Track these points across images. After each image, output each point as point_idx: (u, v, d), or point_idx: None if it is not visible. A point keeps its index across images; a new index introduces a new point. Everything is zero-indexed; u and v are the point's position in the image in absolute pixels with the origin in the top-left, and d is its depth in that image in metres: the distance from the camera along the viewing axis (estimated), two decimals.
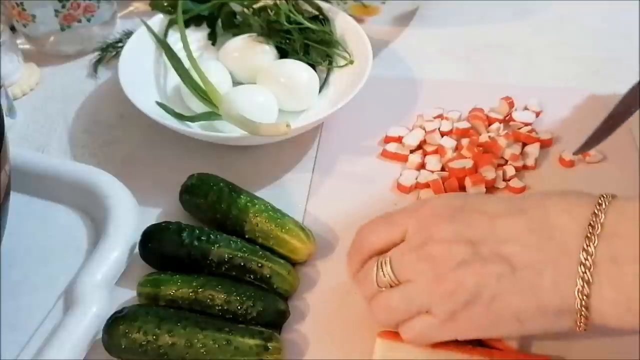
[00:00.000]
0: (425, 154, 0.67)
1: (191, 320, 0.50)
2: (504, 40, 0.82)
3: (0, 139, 0.48)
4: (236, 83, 0.71)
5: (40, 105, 0.75)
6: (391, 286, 0.47)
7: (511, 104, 0.70)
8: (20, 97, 0.76)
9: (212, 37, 0.77)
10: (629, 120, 0.69)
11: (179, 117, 0.66)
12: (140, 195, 0.61)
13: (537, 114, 0.70)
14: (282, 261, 0.55)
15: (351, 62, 0.71)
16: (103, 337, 0.50)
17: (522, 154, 0.66)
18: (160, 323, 0.50)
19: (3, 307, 0.55)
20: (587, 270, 0.41)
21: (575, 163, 0.65)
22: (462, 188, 0.63)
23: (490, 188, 0.63)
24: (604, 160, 0.66)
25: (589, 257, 0.41)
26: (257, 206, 0.58)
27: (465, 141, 0.66)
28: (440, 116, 0.70)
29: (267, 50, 0.72)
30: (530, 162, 0.65)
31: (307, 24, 0.71)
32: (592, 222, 0.41)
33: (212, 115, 0.66)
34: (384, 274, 0.47)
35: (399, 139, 0.68)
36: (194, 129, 0.67)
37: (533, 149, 0.66)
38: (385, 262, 0.47)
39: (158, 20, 0.75)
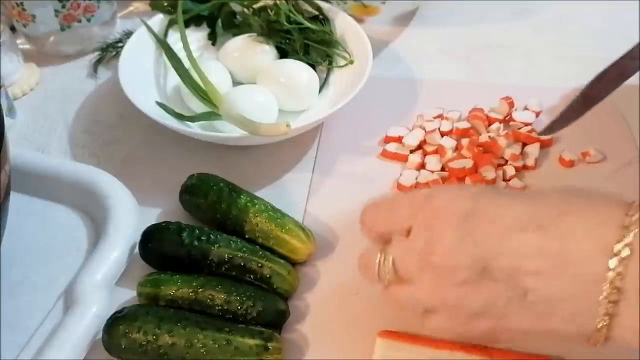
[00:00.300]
0: (425, 154, 0.67)
1: (191, 320, 0.50)
2: (504, 40, 0.82)
3: (0, 139, 0.48)
4: (236, 83, 0.71)
5: (40, 105, 0.75)
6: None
7: (511, 104, 0.70)
8: (20, 97, 0.76)
9: (212, 37, 0.77)
10: (629, 119, 0.69)
11: (179, 117, 0.66)
12: (140, 195, 0.61)
13: (537, 114, 0.70)
14: (282, 261, 0.55)
15: (351, 62, 0.71)
16: (103, 337, 0.50)
17: (522, 154, 0.66)
18: (160, 323, 0.50)
19: (3, 307, 0.55)
20: (610, 303, 0.37)
21: (575, 163, 0.65)
22: None
23: None
24: (604, 160, 0.66)
25: (613, 291, 0.37)
26: (257, 206, 0.58)
27: (465, 141, 0.66)
28: (440, 116, 0.70)
29: (267, 50, 0.72)
30: (530, 162, 0.65)
31: (307, 24, 0.71)
32: (616, 251, 0.37)
33: (212, 115, 0.66)
34: (385, 270, 0.45)
35: (399, 139, 0.68)
36: (194, 129, 0.67)
37: (533, 149, 0.66)
38: (387, 257, 0.45)
39: (158, 20, 0.75)
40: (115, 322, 0.50)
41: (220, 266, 0.54)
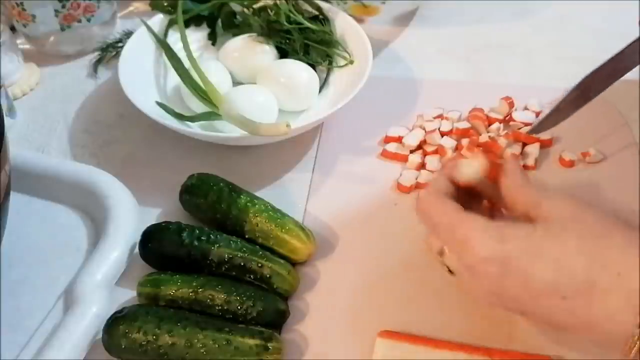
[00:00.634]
0: (425, 154, 0.67)
1: (191, 320, 0.50)
2: (504, 40, 0.82)
3: (0, 139, 0.48)
4: (236, 83, 0.71)
5: (40, 105, 0.75)
6: None
7: (511, 104, 0.70)
8: (20, 97, 0.76)
9: (212, 37, 0.77)
10: (628, 119, 0.69)
11: (179, 117, 0.66)
12: (140, 195, 0.61)
13: (537, 114, 0.70)
14: (282, 261, 0.55)
15: (351, 62, 0.71)
16: (103, 337, 0.50)
17: (522, 154, 0.66)
18: (160, 323, 0.50)
19: (3, 307, 0.55)
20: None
21: (575, 163, 0.65)
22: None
23: None
24: (604, 160, 0.66)
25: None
26: (257, 206, 0.58)
27: (465, 141, 0.66)
28: (440, 116, 0.70)
29: (267, 50, 0.72)
30: (530, 162, 0.65)
31: (307, 24, 0.71)
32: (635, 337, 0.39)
33: (212, 115, 0.66)
34: (449, 262, 0.48)
35: (399, 139, 0.68)
36: (194, 129, 0.67)
37: (533, 149, 0.66)
38: (443, 251, 0.48)
39: (158, 20, 0.75)
40: (115, 322, 0.50)
41: (220, 266, 0.54)
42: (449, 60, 0.79)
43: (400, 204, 0.63)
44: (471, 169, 0.49)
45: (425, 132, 0.68)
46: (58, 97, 0.76)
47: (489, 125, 0.69)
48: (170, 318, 0.50)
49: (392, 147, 0.67)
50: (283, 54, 0.73)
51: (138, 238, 0.57)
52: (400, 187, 0.64)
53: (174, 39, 0.74)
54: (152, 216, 0.61)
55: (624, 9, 0.84)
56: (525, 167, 0.65)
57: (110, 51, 0.79)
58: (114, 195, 0.59)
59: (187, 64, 0.69)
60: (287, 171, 0.66)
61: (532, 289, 0.43)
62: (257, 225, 0.57)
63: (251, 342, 0.49)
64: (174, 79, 0.71)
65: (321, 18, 0.73)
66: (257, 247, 0.56)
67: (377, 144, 0.69)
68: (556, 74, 0.77)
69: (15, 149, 0.57)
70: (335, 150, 0.68)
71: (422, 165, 0.65)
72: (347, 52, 0.72)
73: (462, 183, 0.49)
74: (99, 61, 0.79)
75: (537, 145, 0.66)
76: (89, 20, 0.78)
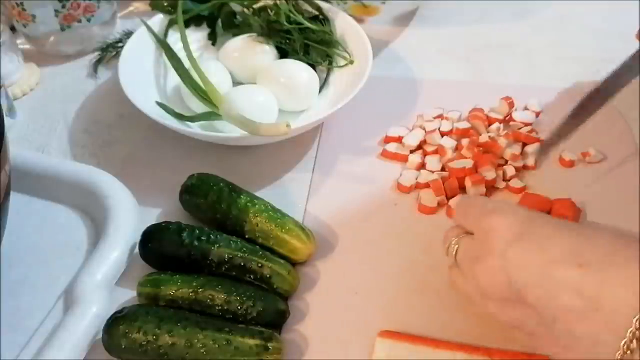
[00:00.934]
0: (425, 154, 0.67)
1: (191, 320, 0.50)
2: (504, 40, 0.82)
3: (0, 139, 0.48)
4: (236, 83, 0.71)
5: (40, 105, 0.75)
6: None
7: (511, 104, 0.70)
8: (20, 97, 0.76)
9: (212, 37, 0.77)
10: (629, 119, 0.69)
11: (179, 117, 0.66)
12: (140, 195, 0.61)
13: (537, 114, 0.70)
14: (282, 261, 0.55)
15: (351, 62, 0.71)
16: (103, 337, 0.50)
17: (522, 154, 0.66)
18: (160, 323, 0.50)
19: (3, 307, 0.55)
20: (628, 350, 0.39)
21: (575, 163, 0.65)
22: (462, 188, 0.63)
23: (490, 188, 0.63)
24: (604, 160, 0.66)
25: (634, 340, 0.38)
26: (257, 206, 0.58)
27: (465, 141, 0.66)
28: (440, 116, 0.70)
29: (267, 50, 0.72)
30: (530, 162, 0.65)
31: (307, 24, 0.71)
32: None
33: (212, 115, 0.66)
34: (451, 256, 0.49)
35: (399, 139, 0.68)
36: (194, 129, 0.67)
37: (533, 149, 0.66)
38: (454, 245, 0.49)
39: (158, 20, 0.75)
40: (115, 322, 0.50)
41: (220, 266, 0.54)
42: (449, 60, 0.79)
43: (400, 204, 0.63)
44: None
45: (425, 132, 0.68)
46: (58, 97, 0.76)
47: (489, 125, 0.69)
48: (170, 318, 0.50)
49: (392, 147, 0.67)
50: (283, 54, 0.73)
51: (138, 238, 0.57)
52: (400, 187, 0.64)
53: (174, 39, 0.74)
54: (152, 216, 0.61)
55: (624, 9, 0.84)
56: (525, 167, 0.65)
57: (110, 51, 0.79)
58: (114, 195, 0.59)
59: (187, 64, 0.69)
60: (287, 171, 0.66)
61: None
62: (257, 225, 0.57)
63: (251, 342, 0.49)
64: (174, 79, 0.71)
65: (321, 18, 0.73)
66: (257, 247, 0.56)
67: (377, 144, 0.69)
68: (556, 74, 0.77)
69: (15, 149, 0.57)
70: (335, 150, 0.68)
71: (422, 165, 0.65)
72: (347, 52, 0.72)
73: None
74: (99, 61, 0.79)
75: (537, 145, 0.66)
76: (89, 20, 0.78)
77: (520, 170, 0.65)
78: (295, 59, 0.71)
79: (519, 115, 0.69)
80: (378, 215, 0.62)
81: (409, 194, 0.63)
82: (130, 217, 0.58)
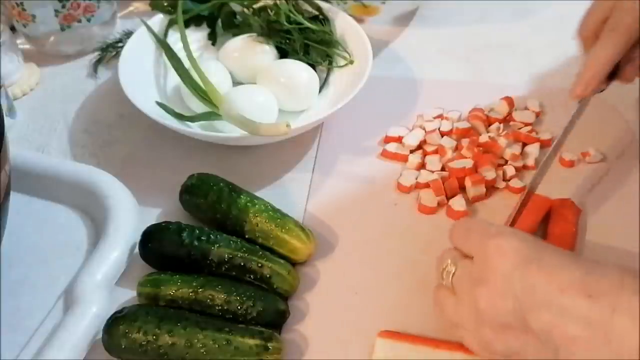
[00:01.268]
0: (425, 154, 0.67)
1: (191, 320, 0.50)
2: (504, 40, 0.82)
3: (0, 139, 0.48)
4: (236, 83, 0.71)
5: (40, 105, 0.75)
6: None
7: (511, 104, 0.70)
8: (20, 97, 0.76)
9: (212, 37, 0.77)
10: (629, 119, 0.69)
11: (179, 117, 0.66)
12: (140, 195, 0.61)
13: (537, 114, 0.70)
14: (282, 261, 0.55)
15: (351, 62, 0.71)
16: (103, 337, 0.50)
17: (522, 154, 0.66)
18: (160, 323, 0.50)
19: (3, 307, 0.55)
20: None
21: (575, 163, 0.65)
22: (462, 188, 0.63)
23: (490, 188, 0.63)
24: (604, 160, 0.66)
25: None
26: (257, 206, 0.58)
27: (465, 141, 0.66)
28: (440, 116, 0.70)
29: (267, 50, 0.72)
30: (530, 162, 0.65)
31: (307, 24, 0.71)
32: None
33: (212, 115, 0.66)
34: (446, 278, 0.48)
35: (399, 139, 0.68)
36: (194, 129, 0.67)
37: (533, 149, 0.66)
38: (451, 267, 0.48)
39: (158, 20, 0.75)
40: (115, 322, 0.50)
41: (220, 266, 0.54)
42: (449, 60, 0.79)
43: (400, 204, 0.63)
44: None
45: (425, 132, 0.68)
46: (58, 97, 0.76)
47: (489, 125, 0.69)
48: (170, 318, 0.50)
49: (392, 147, 0.67)
50: (283, 54, 0.73)
51: (138, 238, 0.57)
52: (400, 187, 0.64)
53: (174, 39, 0.74)
54: (152, 216, 0.61)
55: None
56: (525, 167, 0.65)
57: (110, 51, 0.79)
58: (114, 195, 0.59)
59: (187, 64, 0.69)
60: (287, 171, 0.66)
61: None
62: (257, 225, 0.57)
63: (251, 342, 0.49)
64: (174, 79, 0.71)
65: (321, 18, 0.73)
66: (257, 247, 0.56)
67: (377, 144, 0.69)
68: (556, 74, 0.77)
69: (15, 149, 0.57)
70: (335, 150, 0.68)
71: (422, 165, 0.65)
72: (347, 52, 0.72)
73: None
74: (99, 61, 0.79)
75: (537, 145, 0.66)
76: (89, 20, 0.78)
77: (520, 170, 0.65)
78: (295, 59, 0.71)
79: (519, 115, 0.69)
80: (378, 215, 0.62)
81: (409, 194, 0.63)
82: (130, 217, 0.58)
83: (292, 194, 0.64)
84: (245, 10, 0.75)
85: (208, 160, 0.67)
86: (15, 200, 0.54)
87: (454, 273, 0.47)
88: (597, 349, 0.39)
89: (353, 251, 0.59)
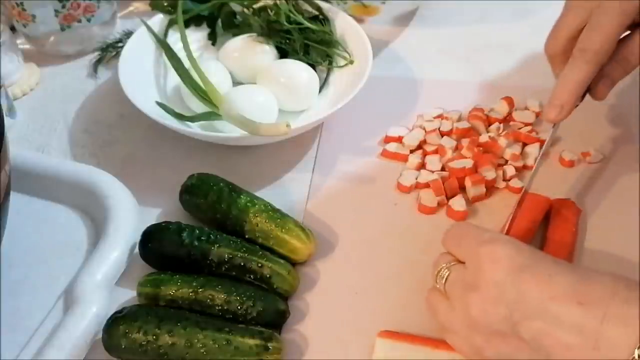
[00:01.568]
0: (425, 154, 0.67)
1: (191, 320, 0.50)
2: (504, 40, 0.82)
3: (0, 139, 0.48)
4: (236, 83, 0.71)
5: (40, 105, 0.75)
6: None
7: (511, 104, 0.70)
8: (20, 97, 0.76)
9: (212, 37, 0.77)
10: (629, 119, 0.69)
11: (179, 117, 0.66)
12: (140, 195, 0.61)
13: (537, 114, 0.70)
14: (282, 261, 0.55)
15: (351, 62, 0.71)
16: (103, 337, 0.50)
17: (522, 154, 0.66)
18: (160, 323, 0.50)
19: (3, 307, 0.55)
20: None
21: (575, 163, 0.65)
22: (462, 188, 0.63)
23: (491, 188, 0.63)
24: (604, 160, 0.66)
25: None
26: (257, 206, 0.58)
27: (465, 141, 0.66)
28: (440, 116, 0.70)
29: (267, 50, 0.72)
30: (530, 162, 0.65)
31: (307, 24, 0.71)
32: None
33: (212, 115, 0.66)
34: (440, 282, 0.48)
35: (399, 139, 0.68)
36: (194, 129, 0.67)
37: (533, 149, 0.66)
38: (444, 272, 0.48)
39: (158, 20, 0.75)
40: (115, 322, 0.50)
41: (220, 266, 0.54)
42: (449, 60, 0.79)
43: (400, 204, 0.63)
44: None
45: (425, 132, 0.68)
46: (58, 97, 0.76)
47: (489, 125, 0.69)
48: (170, 318, 0.50)
49: (392, 147, 0.67)
50: (283, 54, 0.73)
51: (138, 238, 0.57)
52: (400, 187, 0.64)
53: (174, 39, 0.74)
54: (152, 216, 0.61)
55: None
56: (525, 167, 0.65)
57: (110, 51, 0.79)
58: (114, 195, 0.59)
59: (187, 64, 0.69)
60: (287, 171, 0.66)
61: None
62: (257, 225, 0.57)
63: (251, 342, 0.49)
64: (174, 79, 0.71)
65: (321, 18, 0.73)
66: (257, 247, 0.56)
67: (377, 144, 0.69)
68: None
69: (15, 149, 0.57)
70: (335, 150, 0.68)
71: (422, 165, 0.65)
72: (347, 52, 0.72)
73: None
74: (99, 61, 0.79)
75: (537, 145, 0.66)
76: (89, 20, 0.78)
77: (520, 170, 0.65)
78: (295, 59, 0.71)
79: (519, 115, 0.69)
80: (378, 215, 0.62)
81: (409, 194, 0.63)
82: (130, 217, 0.58)
83: (292, 194, 0.64)
84: (245, 10, 0.75)
85: (208, 160, 0.67)
86: (15, 200, 0.54)
87: (447, 277, 0.47)
88: (588, 357, 0.39)
89: (353, 251, 0.59)
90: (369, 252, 0.59)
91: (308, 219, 0.61)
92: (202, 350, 0.49)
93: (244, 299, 0.52)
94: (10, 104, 0.71)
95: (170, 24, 0.75)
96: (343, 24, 0.74)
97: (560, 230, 0.58)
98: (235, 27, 0.76)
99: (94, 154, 0.69)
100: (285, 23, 0.71)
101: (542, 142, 0.66)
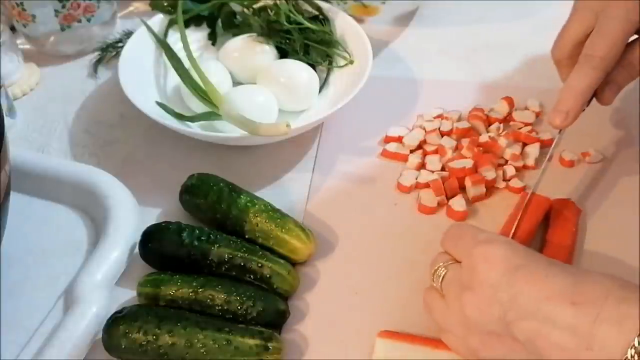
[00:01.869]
0: (425, 154, 0.67)
1: (191, 320, 0.50)
2: (504, 40, 0.82)
3: (0, 139, 0.48)
4: (236, 83, 0.71)
5: (40, 105, 0.75)
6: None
7: (511, 104, 0.70)
8: (20, 97, 0.76)
9: (212, 37, 0.77)
10: (629, 119, 0.69)
11: (179, 117, 0.67)
12: (140, 195, 0.61)
13: (537, 114, 0.70)
14: (282, 261, 0.55)
15: (351, 62, 0.71)
16: (103, 337, 0.50)
17: (522, 154, 0.66)
18: (160, 323, 0.50)
19: (3, 307, 0.55)
20: None
21: (575, 163, 0.65)
22: (462, 188, 0.63)
23: (491, 188, 0.63)
24: (604, 160, 0.66)
25: None
26: (257, 206, 0.58)
27: (465, 141, 0.66)
28: (440, 116, 0.70)
29: (267, 50, 0.72)
30: (530, 162, 0.65)
31: (307, 24, 0.71)
32: (636, 344, 0.38)
33: (212, 115, 0.66)
34: (437, 281, 0.48)
35: (399, 139, 0.68)
36: (194, 129, 0.67)
37: (533, 149, 0.66)
38: (441, 270, 0.48)
39: (158, 20, 0.75)
40: (115, 322, 0.50)
41: (220, 266, 0.54)
42: (449, 60, 0.79)
43: (400, 204, 0.63)
44: None
45: (425, 132, 0.68)
46: (58, 97, 0.76)
47: (489, 125, 0.69)
48: (170, 318, 0.50)
49: (392, 147, 0.67)
50: (283, 54, 0.73)
51: (138, 238, 0.57)
52: (400, 187, 0.64)
53: (174, 39, 0.74)
54: (152, 216, 0.61)
55: None
56: (525, 167, 0.65)
57: (110, 51, 0.79)
58: (114, 195, 0.59)
59: (187, 64, 0.69)
60: (287, 171, 0.66)
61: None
62: (257, 225, 0.57)
63: (251, 342, 0.49)
64: (174, 79, 0.71)
65: (321, 18, 0.73)
66: (257, 247, 0.56)
67: (377, 144, 0.69)
68: (556, 74, 0.76)
69: (15, 149, 0.57)
70: (335, 150, 0.68)
71: (422, 165, 0.65)
72: (347, 52, 0.72)
73: None
74: (99, 61, 0.79)
75: (537, 145, 0.66)
76: (89, 20, 0.78)
77: (520, 170, 0.65)
78: (295, 59, 0.71)
79: (519, 115, 0.69)
80: (378, 215, 0.62)
81: (409, 194, 0.63)
82: (130, 217, 0.58)
83: (292, 194, 0.64)
84: (245, 10, 0.75)
85: (208, 160, 0.67)
86: (15, 200, 0.54)
87: (444, 276, 0.48)
88: (581, 357, 0.39)
89: (353, 251, 0.59)
90: (369, 252, 0.59)
91: (308, 219, 0.61)
92: (202, 350, 0.49)
93: (244, 299, 0.52)
94: (10, 104, 0.71)
95: (170, 24, 0.75)
96: (343, 24, 0.74)
97: (560, 230, 0.58)
98: (235, 27, 0.76)
99: (94, 154, 0.69)
100: (285, 23, 0.71)
101: (542, 142, 0.66)
